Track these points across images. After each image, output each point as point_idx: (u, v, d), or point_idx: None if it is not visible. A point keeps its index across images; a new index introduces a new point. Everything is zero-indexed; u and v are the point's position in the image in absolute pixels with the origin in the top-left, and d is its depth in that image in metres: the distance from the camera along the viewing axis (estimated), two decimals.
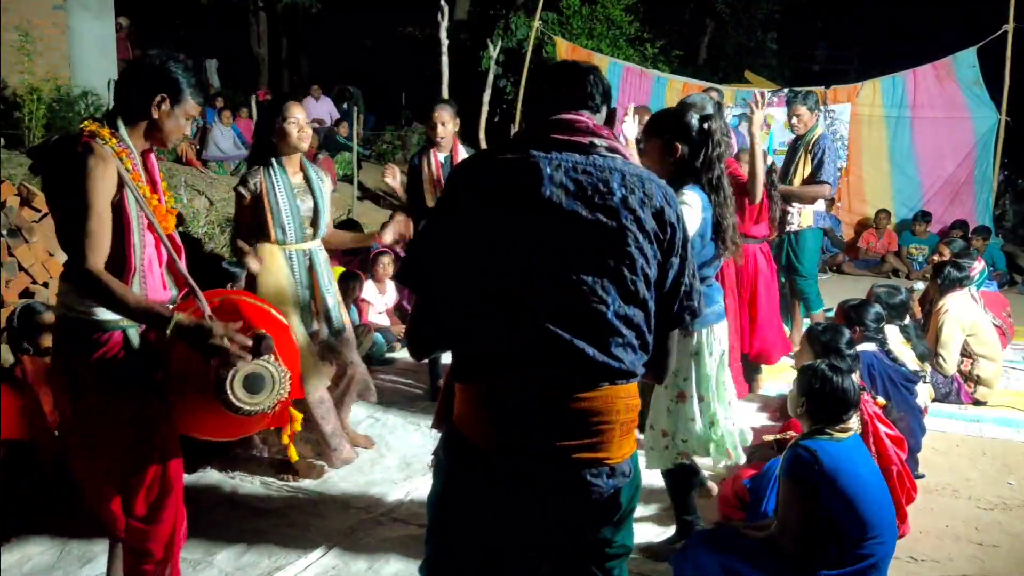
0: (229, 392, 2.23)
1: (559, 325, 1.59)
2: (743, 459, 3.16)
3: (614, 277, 1.61)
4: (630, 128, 3.65)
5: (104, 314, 2.24)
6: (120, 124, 2.27)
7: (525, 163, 1.64)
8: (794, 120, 5.54)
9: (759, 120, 4.29)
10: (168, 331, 2.13)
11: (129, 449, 2.32)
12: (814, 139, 5.45)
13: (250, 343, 2.21)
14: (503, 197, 1.64)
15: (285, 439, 2.79)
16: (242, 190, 3.49)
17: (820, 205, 5.67)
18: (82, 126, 2.26)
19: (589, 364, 1.60)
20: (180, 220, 5.84)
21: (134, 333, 2.31)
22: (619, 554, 1.76)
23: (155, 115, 2.28)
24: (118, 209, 2.20)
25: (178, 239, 2.43)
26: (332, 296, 3.68)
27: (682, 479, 3.11)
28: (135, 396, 2.30)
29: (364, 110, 13.56)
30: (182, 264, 2.39)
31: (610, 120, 1.83)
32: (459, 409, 1.72)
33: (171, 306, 2.37)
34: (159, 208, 2.33)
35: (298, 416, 2.69)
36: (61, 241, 2.25)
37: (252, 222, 3.54)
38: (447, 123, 4.35)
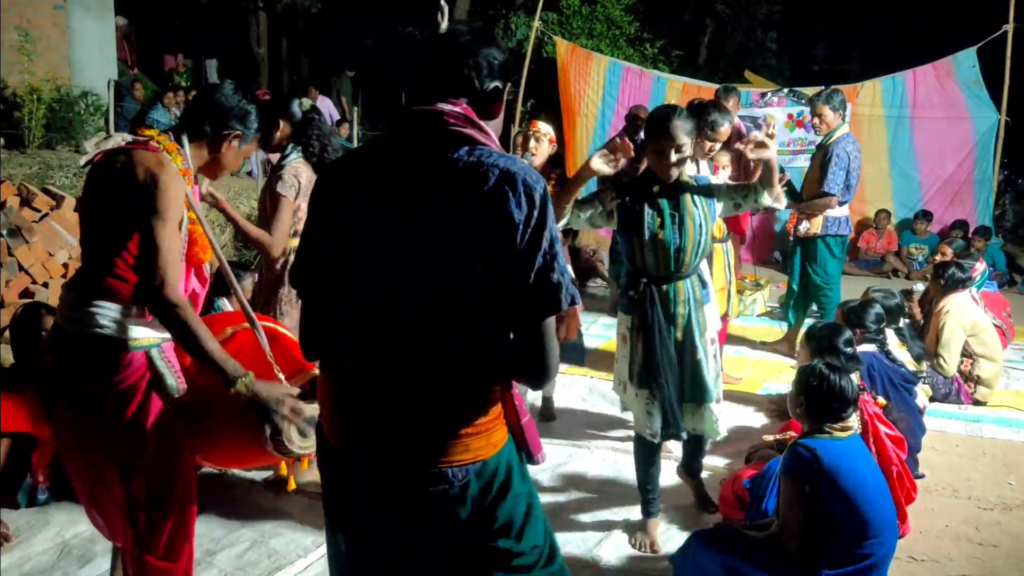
0: (286, 441, 2.22)
1: (395, 322, 1.59)
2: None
3: (444, 273, 1.56)
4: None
5: (129, 332, 2.14)
6: (186, 142, 2.21)
7: (373, 160, 1.67)
8: (816, 121, 5.44)
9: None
10: (233, 389, 2.08)
11: (156, 481, 2.22)
12: (830, 143, 5.39)
13: (308, 409, 2.16)
14: (351, 196, 1.65)
15: (305, 465, 2.77)
16: (288, 192, 3.38)
17: (837, 211, 5.54)
18: (148, 134, 2.18)
19: (420, 366, 1.59)
20: None
21: (157, 353, 2.21)
22: (504, 560, 1.69)
23: (223, 148, 2.25)
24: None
25: (206, 270, 2.36)
26: None
27: (643, 449, 3.15)
28: (159, 427, 2.20)
29: (351, 95, 13.58)
30: (202, 293, 2.32)
31: (493, 96, 1.69)
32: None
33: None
34: (194, 235, 2.25)
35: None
36: (108, 252, 2.12)
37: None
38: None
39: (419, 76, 1.68)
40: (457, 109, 1.62)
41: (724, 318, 4.62)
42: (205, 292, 2.38)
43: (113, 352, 2.14)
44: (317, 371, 2.29)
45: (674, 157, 2.91)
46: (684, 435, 3.10)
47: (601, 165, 2.93)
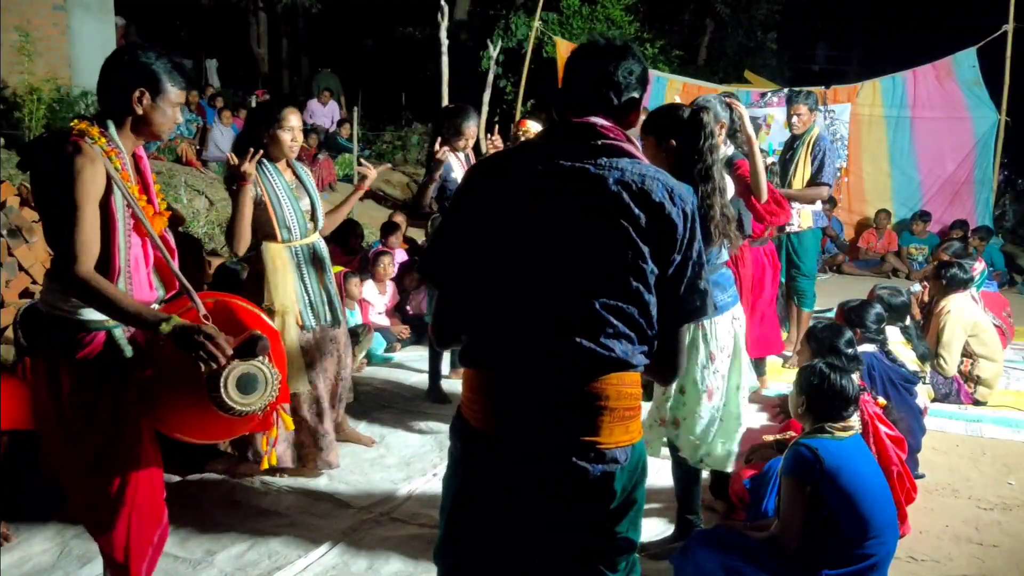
0: (222, 391, 2.21)
1: (553, 317, 1.68)
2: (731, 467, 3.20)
3: (606, 271, 1.68)
4: None
5: (89, 314, 2.21)
6: (110, 124, 2.25)
7: (530, 166, 1.74)
8: (794, 119, 5.54)
9: (747, 116, 4.24)
10: (162, 332, 2.11)
11: (94, 449, 2.28)
12: (813, 139, 5.45)
13: (228, 342, 2.19)
14: (507, 197, 1.74)
15: (264, 446, 2.77)
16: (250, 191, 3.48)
17: (819, 205, 5.68)
18: (71, 124, 2.24)
19: (581, 353, 1.67)
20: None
21: (120, 333, 2.28)
22: (622, 547, 1.79)
23: (138, 110, 2.24)
24: (105, 209, 2.17)
25: (171, 240, 2.40)
26: (333, 287, 3.73)
27: (689, 473, 3.12)
28: (114, 396, 2.26)
29: (341, 93, 13.62)
30: (175, 265, 2.36)
31: (629, 105, 1.80)
32: (464, 394, 1.82)
33: (157, 307, 2.35)
34: (147, 209, 2.30)
35: (287, 419, 2.67)
36: (48, 240, 2.22)
37: (254, 224, 3.52)
38: (475, 136, 4.59)
39: (565, 91, 1.81)
40: (609, 123, 1.75)
41: None
42: (176, 261, 2.39)
43: (74, 331, 2.23)
44: (256, 331, 2.30)
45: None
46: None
47: None
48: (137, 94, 2.23)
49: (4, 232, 4.69)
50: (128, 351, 2.30)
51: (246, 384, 2.26)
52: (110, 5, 9.20)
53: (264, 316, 2.65)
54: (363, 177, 3.92)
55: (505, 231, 1.72)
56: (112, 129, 2.25)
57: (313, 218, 3.63)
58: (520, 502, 1.74)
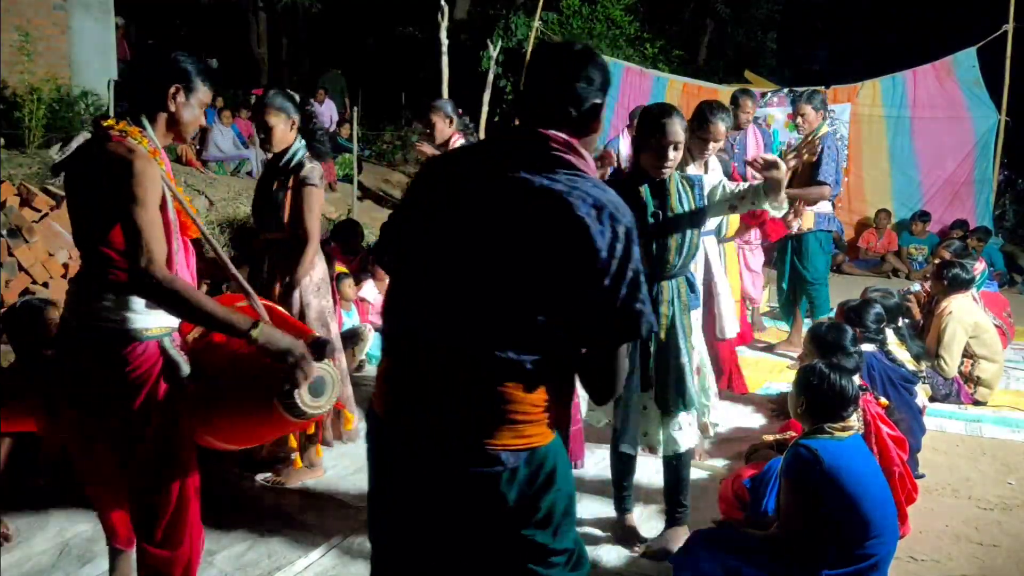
0: (297, 398, 2.23)
1: (458, 319, 1.67)
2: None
3: (516, 280, 1.63)
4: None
5: (137, 322, 2.15)
6: (146, 123, 2.22)
7: (470, 164, 1.75)
8: (799, 120, 5.52)
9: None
10: (254, 339, 2.09)
11: (153, 468, 2.23)
12: (818, 138, 5.44)
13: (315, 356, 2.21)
14: (443, 198, 1.73)
15: (293, 443, 2.76)
16: (320, 184, 3.49)
17: (824, 207, 5.60)
18: (106, 124, 2.19)
19: (478, 355, 1.65)
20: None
21: (168, 342, 2.22)
22: (537, 553, 1.73)
23: (172, 108, 2.23)
24: (161, 212, 2.14)
25: (191, 244, 2.37)
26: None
27: (677, 466, 3.13)
28: (172, 411, 2.21)
29: (341, 91, 13.61)
30: (232, 269, 2.34)
31: (590, 114, 1.74)
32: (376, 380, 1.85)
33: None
34: (182, 212, 2.27)
35: (350, 416, 2.68)
36: (99, 245, 2.14)
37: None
38: (442, 125, 4.50)
39: (527, 95, 1.76)
40: (561, 135, 1.70)
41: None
42: (194, 265, 2.38)
43: (123, 344, 2.16)
44: (319, 335, 2.32)
45: (671, 155, 2.90)
46: (635, 450, 3.13)
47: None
48: (173, 90, 2.22)
49: (4, 232, 4.69)
50: (183, 363, 2.24)
51: (316, 388, 2.28)
52: (110, 5, 9.20)
53: (294, 318, 2.63)
54: None
55: (432, 232, 1.72)
56: (150, 128, 2.22)
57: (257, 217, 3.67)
58: (416, 492, 1.74)
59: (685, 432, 3.08)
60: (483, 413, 1.65)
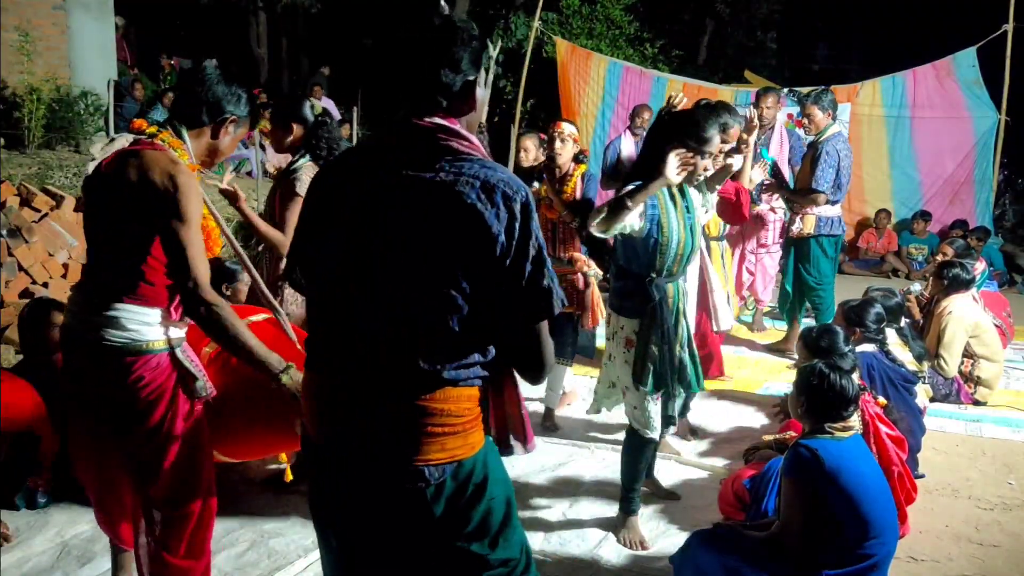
0: None
1: (369, 330, 1.61)
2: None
3: (421, 284, 1.58)
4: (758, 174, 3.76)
5: (148, 334, 2.12)
6: (185, 135, 2.20)
7: (360, 169, 1.68)
8: (805, 121, 5.49)
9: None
10: (278, 383, 2.09)
11: (179, 481, 2.21)
12: (819, 142, 5.43)
13: None
14: (335, 201, 1.68)
15: (284, 458, 2.76)
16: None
17: (828, 211, 5.59)
18: (149, 131, 2.16)
19: (392, 369, 1.61)
20: None
21: (181, 353, 2.19)
22: (476, 566, 1.70)
23: (221, 135, 2.23)
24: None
25: (246, 262, 2.41)
26: None
27: (639, 448, 3.17)
28: (192, 423, 2.19)
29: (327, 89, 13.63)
30: (263, 287, 2.35)
31: (464, 95, 1.66)
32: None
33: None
34: (215, 229, 2.27)
35: None
36: (109, 259, 2.11)
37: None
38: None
39: (391, 84, 1.67)
40: (439, 121, 1.62)
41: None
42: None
43: (135, 356, 2.12)
44: None
45: (707, 162, 2.97)
46: (675, 417, 3.25)
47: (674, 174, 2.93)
48: (230, 118, 2.23)
49: (4, 232, 4.69)
50: (198, 374, 2.20)
51: None
52: (110, 5, 9.20)
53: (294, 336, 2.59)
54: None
55: (334, 236, 1.65)
56: (189, 143, 2.20)
57: None
58: (349, 509, 1.71)
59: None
60: (404, 428, 1.61)
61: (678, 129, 2.99)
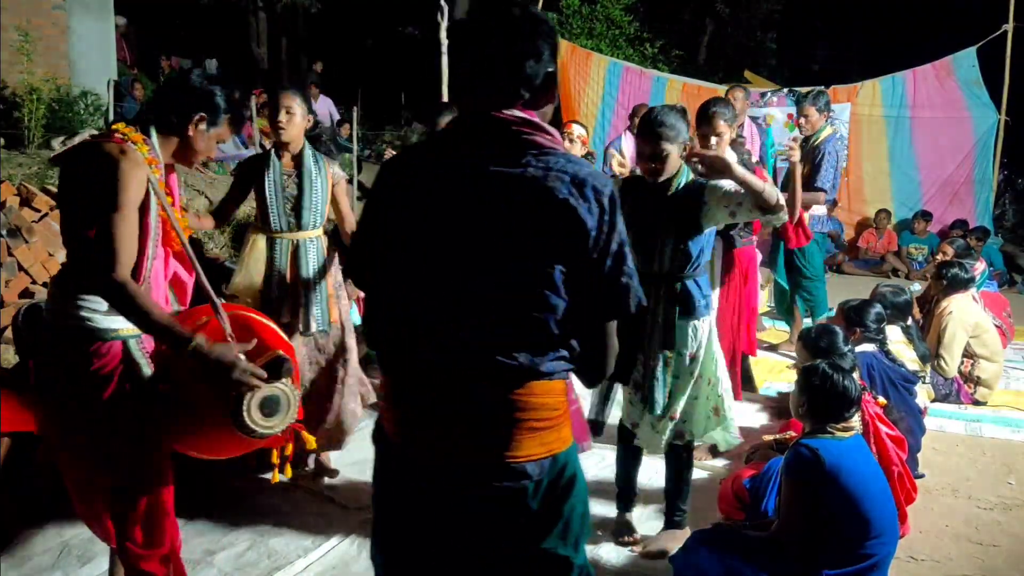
0: (245, 415, 2.19)
1: (457, 327, 1.59)
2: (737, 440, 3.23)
3: (510, 278, 1.57)
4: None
5: (103, 322, 2.17)
6: (152, 132, 2.25)
7: (437, 163, 1.64)
8: (802, 120, 5.51)
9: (796, 156, 4.15)
10: (188, 350, 2.08)
11: (126, 469, 2.25)
12: (818, 142, 5.44)
13: (265, 373, 2.17)
14: (414, 197, 1.64)
15: (275, 458, 2.75)
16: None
17: (818, 209, 5.64)
18: (114, 127, 2.21)
19: (485, 363, 1.58)
20: None
21: (135, 344, 2.24)
22: (554, 566, 1.69)
23: (190, 132, 2.27)
24: (140, 216, 2.15)
25: (191, 257, 2.38)
26: (317, 293, 3.53)
27: (685, 461, 3.15)
28: (135, 412, 2.22)
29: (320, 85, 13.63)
30: (190, 281, 2.35)
31: (544, 87, 1.62)
32: (380, 401, 1.77)
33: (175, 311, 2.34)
34: (181, 222, 2.30)
35: (310, 439, 2.63)
36: (71, 242, 2.18)
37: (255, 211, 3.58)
38: None
39: (471, 77, 1.62)
40: (521, 114, 1.60)
41: None
42: (193, 279, 2.40)
43: (90, 342, 2.18)
44: (280, 352, 2.28)
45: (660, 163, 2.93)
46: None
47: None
48: (196, 118, 2.26)
49: (4, 232, 4.69)
50: (145, 365, 2.25)
51: (269, 407, 2.23)
52: (110, 5, 9.19)
53: (279, 331, 2.59)
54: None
55: (415, 235, 1.62)
56: (155, 138, 2.25)
57: (296, 213, 3.48)
58: (434, 514, 1.67)
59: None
60: (502, 424, 1.59)
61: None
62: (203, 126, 2.28)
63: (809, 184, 5.40)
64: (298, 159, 3.52)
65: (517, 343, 1.58)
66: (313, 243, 3.54)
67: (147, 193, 2.16)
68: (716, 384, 3.08)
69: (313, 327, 3.53)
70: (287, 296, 3.51)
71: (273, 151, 3.51)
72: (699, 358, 3.01)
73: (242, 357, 2.17)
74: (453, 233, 1.59)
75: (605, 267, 1.58)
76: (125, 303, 2.08)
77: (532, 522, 1.64)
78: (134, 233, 2.12)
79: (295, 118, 3.44)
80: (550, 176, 1.55)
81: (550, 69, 1.62)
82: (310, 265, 3.51)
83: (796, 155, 4.17)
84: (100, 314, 2.18)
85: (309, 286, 3.52)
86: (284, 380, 2.27)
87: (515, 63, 1.58)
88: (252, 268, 3.51)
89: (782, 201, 2.84)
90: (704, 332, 3.01)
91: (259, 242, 3.52)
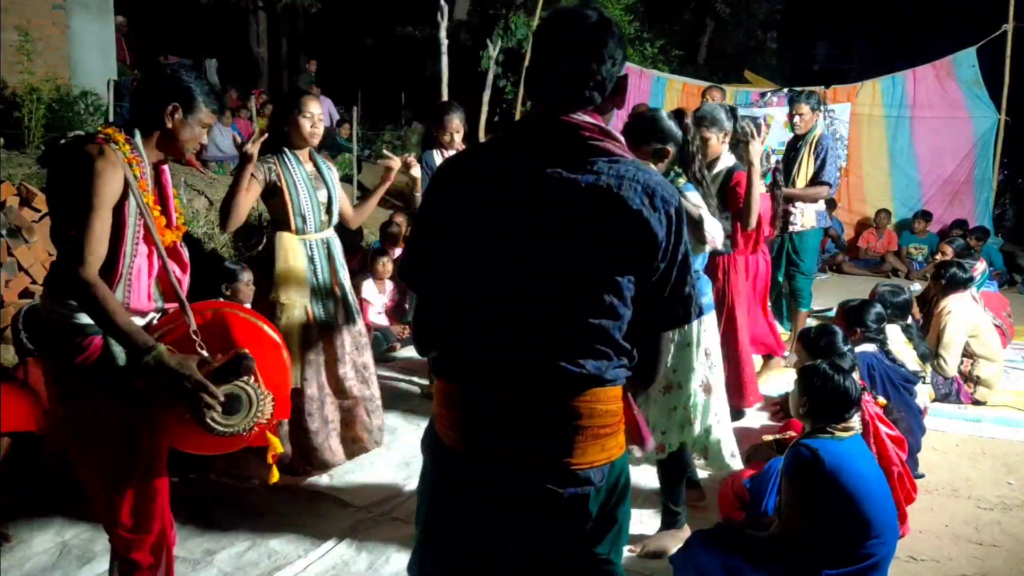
0: (207, 415, 2.17)
1: (523, 333, 1.58)
2: (739, 466, 3.20)
3: (580, 286, 1.57)
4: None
5: (85, 318, 2.20)
6: (136, 132, 2.27)
7: (503, 165, 1.62)
8: (796, 119, 5.55)
9: (757, 150, 3.92)
10: (146, 360, 2.09)
11: (112, 456, 2.28)
12: (816, 139, 5.48)
13: (213, 388, 2.16)
14: (479, 199, 1.62)
15: (270, 459, 2.74)
16: (256, 174, 3.47)
17: (821, 205, 5.68)
18: (98, 129, 2.25)
19: (551, 371, 1.58)
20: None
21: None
22: (602, 572, 1.70)
23: (168, 124, 2.28)
24: (117, 214, 2.17)
25: (185, 255, 2.40)
26: (348, 284, 3.70)
27: (673, 468, 3.14)
28: (118, 403, 2.25)
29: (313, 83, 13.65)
30: (184, 278, 2.37)
31: (616, 92, 1.64)
32: (435, 408, 1.74)
33: (157, 316, 2.34)
34: (159, 220, 2.30)
35: (275, 442, 2.60)
36: (56, 240, 2.22)
37: (271, 213, 3.59)
38: (460, 131, 4.48)
39: (543, 79, 1.62)
40: (590, 120, 1.60)
41: None
42: (187, 276, 2.40)
43: (74, 336, 2.21)
44: (242, 350, 2.25)
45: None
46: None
47: None
48: (170, 108, 2.26)
49: (4, 232, 4.69)
50: (121, 359, 2.25)
51: (229, 405, 2.21)
52: (110, 5, 9.19)
53: (267, 327, 2.56)
54: (388, 168, 3.77)
55: (480, 238, 1.60)
56: (138, 138, 2.27)
57: (328, 211, 3.60)
58: (492, 523, 1.66)
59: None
60: (566, 431, 1.58)
61: (639, 132, 2.95)
62: (179, 115, 2.28)
63: (814, 179, 5.43)
64: (312, 160, 3.64)
65: (582, 350, 1.58)
66: (336, 238, 3.68)
67: (125, 191, 2.18)
68: (692, 395, 3.09)
69: (354, 318, 3.70)
70: (332, 295, 3.62)
71: (289, 152, 3.53)
72: (677, 368, 3.07)
73: (193, 368, 2.16)
74: (517, 236, 1.58)
75: (672, 277, 1.60)
76: (88, 302, 2.11)
77: (591, 528, 1.65)
78: (106, 232, 2.14)
79: (322, 123, 3.58)
80: (623, 185, 1.55)
81: (622, 74, 1.63)
82: (339, 259, 3.66)
83: (757, 151, 3.98)
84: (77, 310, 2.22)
85: (343, 280, 3.66)
86: (245, 379, 2.25)
87: (587, 67, 1.58)
88: (296, 274, 3.51)
89: (711, 239, 2.99)
90: (682, 339, 3.05)
91: (295, 245, 3.53)
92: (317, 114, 3.53)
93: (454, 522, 1.70)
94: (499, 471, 1.63)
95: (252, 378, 2.26)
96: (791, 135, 5.80)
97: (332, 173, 3.69)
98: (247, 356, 2.26)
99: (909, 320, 4.50)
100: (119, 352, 2.26)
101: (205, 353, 2.23)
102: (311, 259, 3.54)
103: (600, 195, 1.54)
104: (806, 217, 5.57)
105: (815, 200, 5.51)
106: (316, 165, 3.64)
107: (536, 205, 1.56)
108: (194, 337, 2.24)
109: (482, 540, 1.68)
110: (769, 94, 10.21)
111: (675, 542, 3.02)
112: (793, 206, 5.49)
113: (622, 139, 1.64)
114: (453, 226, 1.64)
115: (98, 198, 2.12)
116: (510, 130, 1.69)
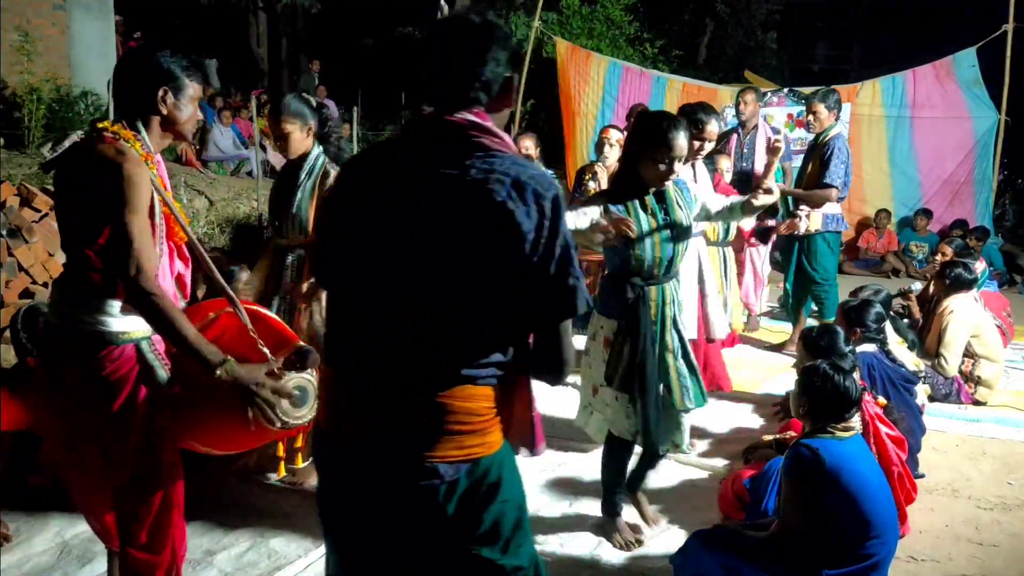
0: (279, 411, 2.21)
1: (392, 326, 1.61)
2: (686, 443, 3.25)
3: (445, 278, 1.58)
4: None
5: (115, 325, 2.15)
6: (141, 127, 2.22)
7: (389, 164, 1.67)
8: (811, 118, 5.53)
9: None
10: (217, 374, 2.09)
11: (134, 471, 2.23)
12: (827, 140, 5.45)
13: (293, 392, 2.20)
14: (364, 197, 1.66)
15: (280, 451, 2.76)
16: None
17: (832, 208, 5.61)
18: (101, 126, 2.18)
19: (413, 365, 1.60)
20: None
21: (147, 346, 2.21)
22: (481, 568, 1.69)
23: (163, 110, 2.23)
24: (148, 217, 2.14)
25: (185, 250, 2.37)
26: None
27: (617, 450, 3.16)
28: (146, 417, 2.21)
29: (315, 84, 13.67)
30: (216, 274, 2.35)
31: (502, 93, 1.68)
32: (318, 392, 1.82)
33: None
34: (170, 216, 2.27)
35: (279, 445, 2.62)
36: (72, 247, 2.15)
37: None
38: None
39: (427, 80, 1.67)
40: (471, 117, 1.62)
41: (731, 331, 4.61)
42: (190, 271, 2.39)
43: (101, 346, 2.15)
44: (301, 342, 2.30)
45: (676, 166, 2.94)
46: (663, 449, 3.16)
47: (597, 238, 2.90)
48: (161, 93, 2.21)
49: (4, 232, 4.69)
50: (160, 367, 2.23)
51: (298, 398, 2.25)
52: (110, 5, 9.20)
53: (283, 323, 2.60)
54: None
55: (362, 235, 1.65)
56: (144, 132, 2.22)
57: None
58: (362, 509, 1.69)
59: (686, 430, 3.19)
60: (422, 425, 1.60)
61: (643, 138, 2.97)
62: (171, 97, 2.24)
63: (818, 182, 5.41)
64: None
65: (445, 346, 1.59)
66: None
67: (151, 192, 2.15)
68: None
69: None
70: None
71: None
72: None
73: (268, 368, 2.19)
74: (395, 233, 1.60)
75: (551, 270, 1.58)
76: (155, 315, 2.07)
77: (450, 524, 1.64)
78: (149, 236, 2.10)
79: (293, 137, 3.46)
80: (491, 179, 1.55)
81: (507, 75, 1.66)
82: None
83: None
84: (111, 317, 2.15)
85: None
86: (310, 371, 2.32)
87: (471, 69, 1.62)
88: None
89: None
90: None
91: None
92: (286, 133, 3.47)
93: (330, 504, 1.76)
94: (358, 457, 1.66)
95: (315, 370, 2.31)
96: (791, 134, 5.79)
97: (312, 179, 3.54)
98: (312, 351, 2.29)
99: (890, 312, 4.51)
100: (154, 360, 2.22)
101: (267, 351, 2.25)
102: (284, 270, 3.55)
103: (466, 189, 1.56)
104: (811, 220, 5.54)
105: (820, 203, 5.47)
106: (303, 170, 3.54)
107: (411, 202, 1.60)
108: (256, 339, 2.25)
109: (356, 522, 1.72)
110: (769, 94, 10.20)
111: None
112: (799, 209, 5.49)
113: (505, 136, 1.65)
114: (343, 222, 1.70)
115: (139, 202, 2.08)
116: (401, 131, 1.74)
